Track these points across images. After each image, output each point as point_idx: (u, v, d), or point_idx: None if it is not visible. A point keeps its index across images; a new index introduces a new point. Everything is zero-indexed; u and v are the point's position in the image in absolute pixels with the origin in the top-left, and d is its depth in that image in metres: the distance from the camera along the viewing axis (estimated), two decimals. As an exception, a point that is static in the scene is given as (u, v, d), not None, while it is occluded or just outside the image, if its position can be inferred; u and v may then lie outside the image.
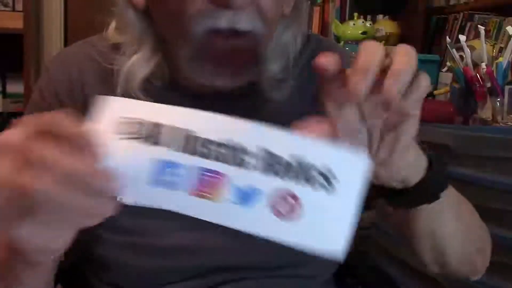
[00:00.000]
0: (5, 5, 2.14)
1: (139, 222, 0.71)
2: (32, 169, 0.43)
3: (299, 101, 0.76)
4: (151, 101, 0.65)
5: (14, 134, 0.44)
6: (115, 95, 0.72)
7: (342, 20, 2.42)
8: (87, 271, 0.78)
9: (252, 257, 0.74)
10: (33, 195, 0.43)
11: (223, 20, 0.63)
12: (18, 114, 2.19)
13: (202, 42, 0.64)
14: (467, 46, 1.50)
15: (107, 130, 0.44)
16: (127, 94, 0.70)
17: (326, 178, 0.43)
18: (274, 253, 0.74)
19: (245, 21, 0.63)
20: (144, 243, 0.72)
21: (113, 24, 0.75)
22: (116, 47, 0.74)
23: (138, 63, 0.70)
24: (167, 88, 0.72)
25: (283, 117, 0.75)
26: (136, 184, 0.43)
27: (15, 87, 2.20)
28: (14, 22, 2.09)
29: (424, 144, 0.78)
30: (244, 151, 0.43)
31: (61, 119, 0.44)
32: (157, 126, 0.44)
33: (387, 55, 0.51)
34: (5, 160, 0.44)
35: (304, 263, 0.77)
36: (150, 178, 0.43)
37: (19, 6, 2.13)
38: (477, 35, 1.72)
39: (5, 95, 2.24)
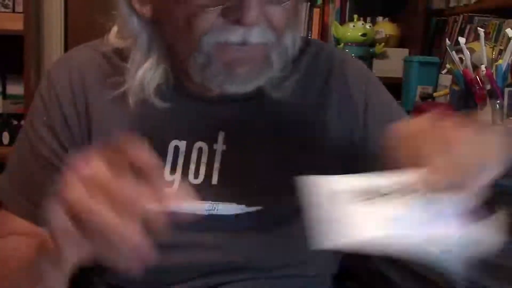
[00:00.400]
0: (5, 7, 2.14)
1: None
2: (101, 199, 0.47)
3: (301, 103, 0.77)
4: (166, 106, 0.72)
5: (96, 166, 0.49)
6: (116, 97, 0.73)
7: (342, 22, 2.42)
8: (89, 271, 0.78)
9: (252, 256, 0.74)
10: (95, 220, 0.47)
11: (235, 35, 0.65)
12: (18, 115, 2.19)
13: (214, 52, 0.66)
14: (467, 48, 1.50)
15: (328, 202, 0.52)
16: (143, 101, 0.72)
17: None
18: (275, 253, 0.75)
19: (256, 35, 0.65)
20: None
21: (114, 29, 0.76)
22: (119, 51, 0.74)
23: (150, 71, 0.71)
24: (176, 91, 0.73)
25: (286, 117, 0.77)
26: (366, 234, 0.50)
27: (15, 88, 2.20)
28: (14, 23, 2.09)
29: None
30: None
31: (135, 150, 0.49)
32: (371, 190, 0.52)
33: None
34: (81, 187, 0.48)
35: (304, 263, 0.77)
36: (378, 229, 0.50)
37: (19, 8, 2.13)
38: (476, 37, 1.73)
39: (5, 96, 2.24)
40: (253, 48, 0.66)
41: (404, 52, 2.36)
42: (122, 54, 0.74)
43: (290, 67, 0.76)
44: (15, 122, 2.19)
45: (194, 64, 0.68)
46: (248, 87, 0.69)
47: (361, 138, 0.78)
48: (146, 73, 0.71)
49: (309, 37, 0.82)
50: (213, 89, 0.70)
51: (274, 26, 0.67)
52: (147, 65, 0.71)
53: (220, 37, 0.65)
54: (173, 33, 0.69)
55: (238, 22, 0.63)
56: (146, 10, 0.70)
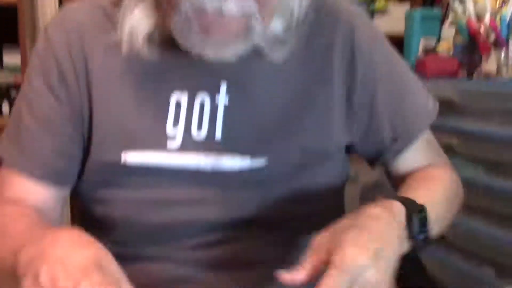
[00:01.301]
0: (-3, -24, 2.10)
1: (143, 179, 0.72)
2: None
3: (302, 62, 0.76)
4: (160, 56, 0.72)
5: None
6: (116, 51, 0.72)
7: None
8: (91, 231, 0.78)
9: (256, 212, 0.74)
10: None
11: (211, 2, 0.63)
12: (15, 85, 2.18)
13: (192, 15, 0.65)
14: (470, -2, 1.47)
15: None
16: (132, 50, 0.71)
17: None
18: (280, 209, 0.74)
19: (233, 6, 0.63)
20: (147, 198, 0.72)
21: None
22: (116, 3, 0.73)
23: (140, 18, 0.70)
24: (169, 44, 0.72)
25: (284, 78, 0.75)
26: None
27: (12, 59, 2.19)
28: (7, -6, 2.06)
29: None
30: None
31: None
32: None
33: None
34: None
35: (309, 219, 0.77)
36: None
37: (11, -23, 2.09)
38: (480, -13, 1.69)
39: (2, 66, 2.23)
40: (230, 19, 0.65)
41: (406, 6, 2.33)
42: (120, 6, 0.73)
43: (294, 29, 0.74)
44: (13, 92, 2.17)
45: (174, 24, 0.67)
46: (226, 53, 0.68)
47: (367, 105, 0.79)
48: (136, 20, 0.70)
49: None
50: (192, 51, 0.68)
51: None
52: (138, 11, 0.71)
53: (196, 2, 0.64)
54: None
55: None
56: None
